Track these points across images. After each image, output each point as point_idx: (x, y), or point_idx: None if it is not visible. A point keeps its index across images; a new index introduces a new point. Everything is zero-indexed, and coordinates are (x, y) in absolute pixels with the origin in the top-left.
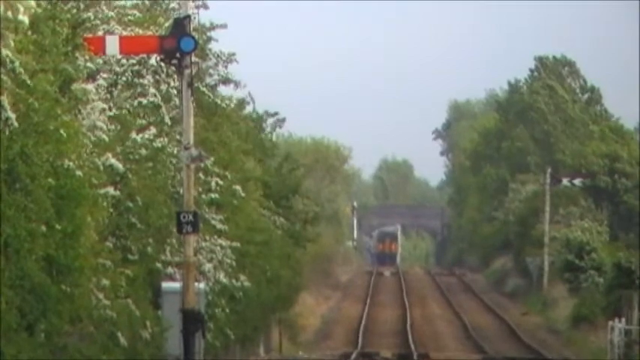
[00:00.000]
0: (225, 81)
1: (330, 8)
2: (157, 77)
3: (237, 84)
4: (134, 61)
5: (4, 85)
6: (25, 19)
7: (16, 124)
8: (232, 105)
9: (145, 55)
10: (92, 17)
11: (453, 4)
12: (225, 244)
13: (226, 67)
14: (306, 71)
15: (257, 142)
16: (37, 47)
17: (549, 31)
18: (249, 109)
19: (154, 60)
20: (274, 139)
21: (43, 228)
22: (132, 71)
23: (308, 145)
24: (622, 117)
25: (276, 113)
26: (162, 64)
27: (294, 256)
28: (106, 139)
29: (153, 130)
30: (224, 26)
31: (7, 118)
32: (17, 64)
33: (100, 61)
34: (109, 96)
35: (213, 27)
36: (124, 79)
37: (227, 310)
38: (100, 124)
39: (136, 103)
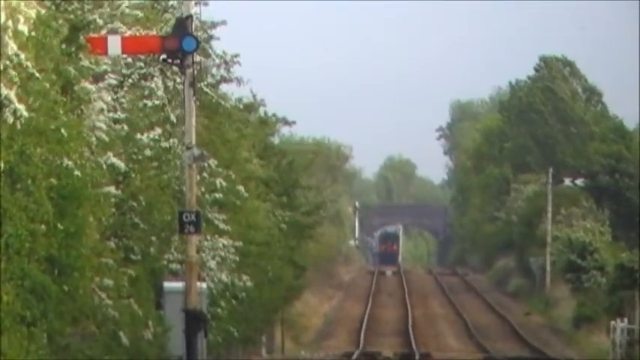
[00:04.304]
0: (227, 79)
1: (330, 8)
2: (164, 76)
3: (239, 81)
4: (141, 64)
5: (10, 79)
6: (24, 28)
7: (25, 113)
8: (237, 105)
9: (151, 55)
10: (97, 19)
11: (454, 4)
12: (228, 243)
13: (228, 69)
14: (306, 72)
15: (266, 146)
16: (37, 47)
17: (550, 31)
18: (258, 112)
19: (161, 58)
20: (277, 140)
21: (43, 227)
22: (138, 73)
23: (309, 145)
24: (623, 117)
25: (284, 118)
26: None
27: (297, 251)
28: (106, 139)
29: (158, 130)
30: (224, 22)
31: (16, 110)
32: (23, 57)
33: (109, 61)
34: (114, 96)
35: (214, 25)
36: (130, 80)
37: (229, 310)
38: (99, 124)
39: (141, 104)
